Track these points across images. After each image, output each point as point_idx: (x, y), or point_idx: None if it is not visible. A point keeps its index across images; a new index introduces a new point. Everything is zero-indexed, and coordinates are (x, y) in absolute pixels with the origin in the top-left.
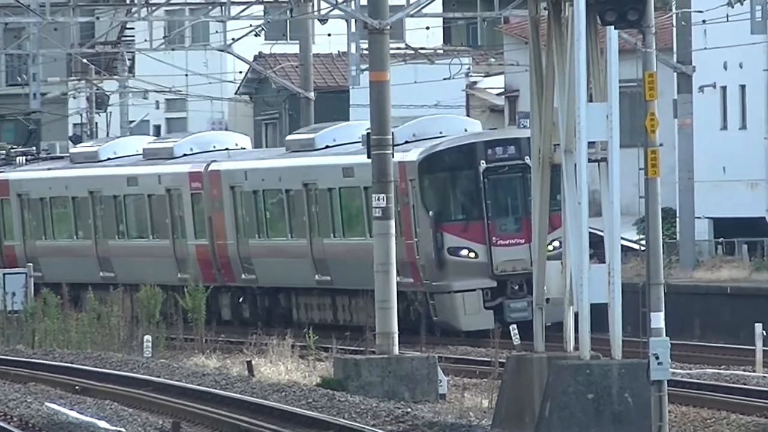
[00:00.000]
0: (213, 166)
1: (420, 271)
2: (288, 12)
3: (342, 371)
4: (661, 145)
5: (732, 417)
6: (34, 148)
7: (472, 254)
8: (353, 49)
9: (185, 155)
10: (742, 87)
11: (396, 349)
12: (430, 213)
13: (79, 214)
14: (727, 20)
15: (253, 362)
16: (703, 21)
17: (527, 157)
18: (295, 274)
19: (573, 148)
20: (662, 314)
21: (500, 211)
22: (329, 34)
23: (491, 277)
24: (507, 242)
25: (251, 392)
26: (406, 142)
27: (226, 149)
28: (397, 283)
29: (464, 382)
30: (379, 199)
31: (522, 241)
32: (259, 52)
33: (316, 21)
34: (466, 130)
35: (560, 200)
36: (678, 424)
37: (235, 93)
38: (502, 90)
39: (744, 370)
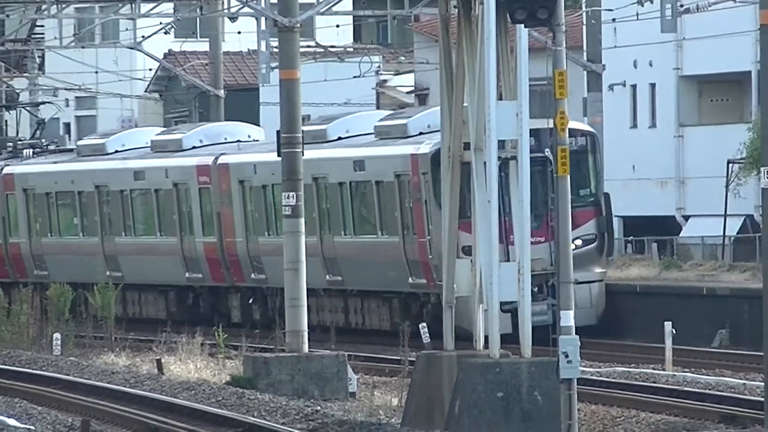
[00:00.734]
0: (222, 159)
1: (433, 271)
2: (198, 10)
3: (251, 369)
4: (570, 143)
5: (642, 415)
6: (43, 140)
7: None
8: (263, 47)
9: (194, 147)
10: (652, 85)
11: (306, 347)
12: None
13: (85, 210)
14: (637, 18)
15: (162, 360)
16: (613, 19)
17: (548, 149)
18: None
19: (483, 146)
20: (572, 312)
21: None
22: (239, 32)
23: None
24: None
25: (161, 390)
26: (420, 133)
27: (237, 141)
28: (409, 284)
29: (374, 380)
30: (288, 197)
31: (542, 239)
32: (169, 50)
33: (226, 19)
34: None
35: (584, 196)
36: (587, 423)
37: (145, 90)
38: (412, 88)
39: (654, 369)
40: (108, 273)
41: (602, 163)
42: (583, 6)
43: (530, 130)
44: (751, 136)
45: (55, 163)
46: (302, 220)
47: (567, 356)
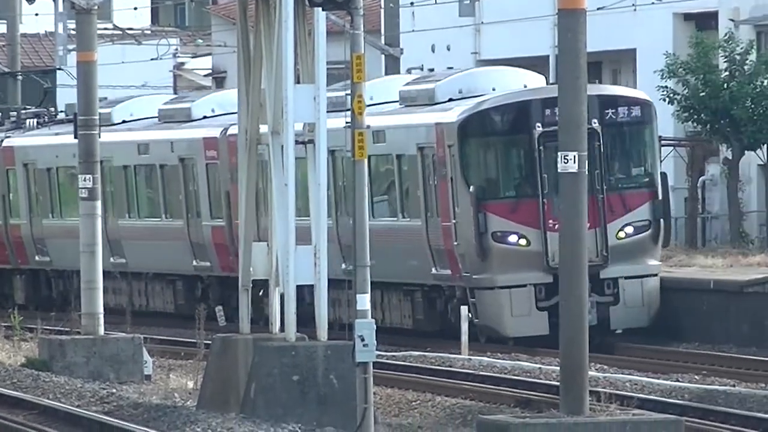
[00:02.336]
0: (232, 130)
1: (459, 261)
2: None
3: (47, 352)
4: (368, 127)
5: (437, 399)
6: (51, 108)
7: (522, 241)
8: (60, 29)
9: (205, 117)
10: (450, 69)
11: (101, 330)
12: (472, 188)
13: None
14: (435, 2)
15: None
16: (411, 3)
17: (595, 120)
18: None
19: (280, 129)
20: (368, 296)
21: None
22: (36, 14)
23: (546, 271)
24: None
25: None
26: (450, 99)
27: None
28: (432, 275)
29: (170, 363)
30: (85, 180)
31: (586, 225)
32: None
33: (24, 0)
34: (525, 86)
35: (637, 176)
36: (383, 406)
37: None
38: (210, 71)
39: (450, 353)
40: (111, 260)
41: (657, 138)
42: None
43: None
44: None
45: (57, 135)
46: (98, 203)
47: (363, 340)
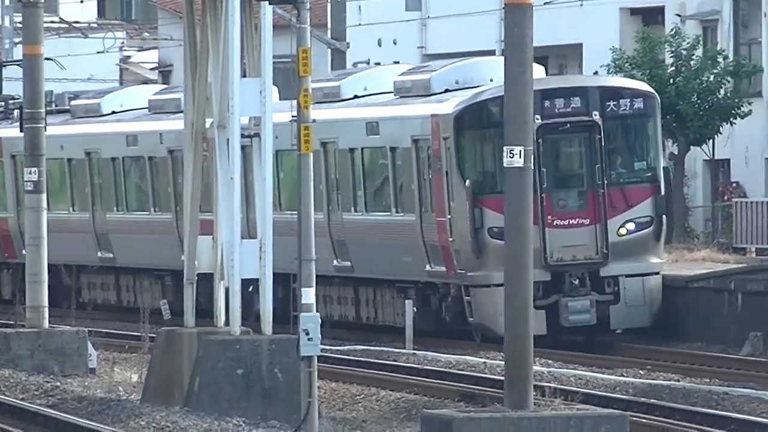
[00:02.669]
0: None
1: (453, 257)
2: None
3: None
4: (314, 121)
5: (382, 393)
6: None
7: None
8: (7, 23)
9: None
10: (397, 63)
11: (46, 323)
12: (468, 182)
13: (75, 180)
14: None
15: None
16: None
17: (596, 112)
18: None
19: (226, 123)
20: (313, 290)
21: (559, 181)
22: None
23: (544, 268)
24: (566, 222)
25: None
26: (446, 90)
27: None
28: (427, 272)
29: (114, 356)
30: (30, 173)
31: (586, 221)
32: None
33: None
34: None
35: (640, 170)
36: (328, 400)
37: None
38: (156, 65)
39: (395, 347)
40: (99, 254)
41: (661, 132)
42: None
43: (576, 87)
44: None
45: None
46: (44, 196)
47: (308, 333)
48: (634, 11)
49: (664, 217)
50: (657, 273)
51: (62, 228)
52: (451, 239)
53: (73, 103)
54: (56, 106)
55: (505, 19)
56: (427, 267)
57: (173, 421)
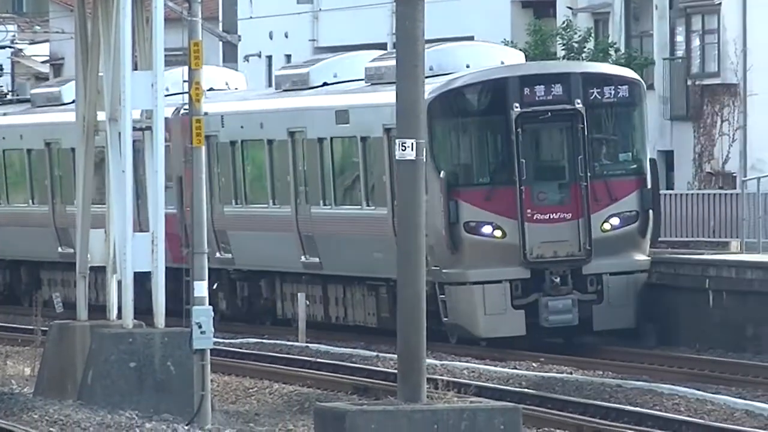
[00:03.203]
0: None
1: (427, 253)
2: None
3: None
4: (206, 114)
5: (275, 386)
6: (2, 86)
7: (497, 232)
8: None
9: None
10: (288, 56)
11: None
12: (442, 174)
13: (34, 172)
14: None
15: None
16: None
17: (578, 100)
18: (279, 254)
19: (118, 116)
20: (205, 283)
21: (539, 173)
22: None
23: (524, 265)
24: (547, 217)
25: None
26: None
27: (210, 89)
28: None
29: (7, 350)
30: None
31: (568, 215)
32: None
33: None
34: (502, 63)
35: (625, 162)
36: (221, 393)
37: None
38: (48, 58)
39: (287, 340)
40: (60, 250)
41: (647, 121)
42: None
43: (557, 74)
44: None
45: (4, 115)
46: None
47: (200, 327)
48: (525, 4)
49: (650, 211)
50: (643, 271)
51: (23, 222)
52: (425, 234)
53: (32, 91)
54: (17, 95)
55: (397, 12)
56: None
57: (66, 415)
